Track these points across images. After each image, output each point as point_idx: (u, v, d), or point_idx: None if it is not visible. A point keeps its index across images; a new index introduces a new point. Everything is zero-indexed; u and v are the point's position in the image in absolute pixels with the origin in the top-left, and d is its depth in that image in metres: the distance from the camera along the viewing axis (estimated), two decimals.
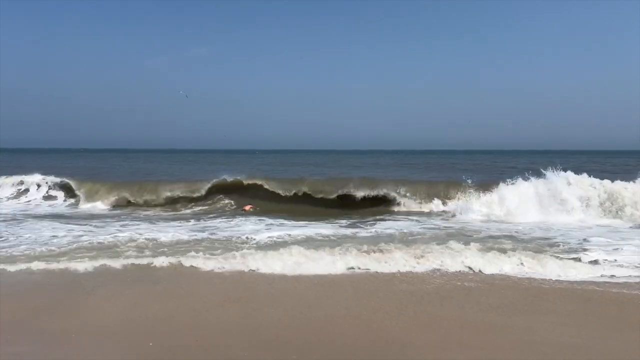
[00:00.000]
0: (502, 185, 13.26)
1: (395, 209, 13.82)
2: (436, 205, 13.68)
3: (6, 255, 7.74)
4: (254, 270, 6.83)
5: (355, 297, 5.64)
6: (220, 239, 9.42)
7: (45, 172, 18.23)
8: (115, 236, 9.38)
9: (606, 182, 12.65)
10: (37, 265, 7.05)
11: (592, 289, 5.94)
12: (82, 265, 7.07)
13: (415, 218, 12.53)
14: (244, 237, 9.42)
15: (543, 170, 13.27)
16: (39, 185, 17.31)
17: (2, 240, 9.12)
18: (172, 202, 15.30)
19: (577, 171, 13.31)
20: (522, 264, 6.96)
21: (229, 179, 16.17)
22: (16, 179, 17.59)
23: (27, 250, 8.15)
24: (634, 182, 12.53)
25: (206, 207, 15.20)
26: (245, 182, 16.07)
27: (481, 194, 13.30)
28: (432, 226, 11.16)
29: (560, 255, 7.59)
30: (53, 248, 8.33)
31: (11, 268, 6.92)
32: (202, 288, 6.05)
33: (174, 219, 12.51)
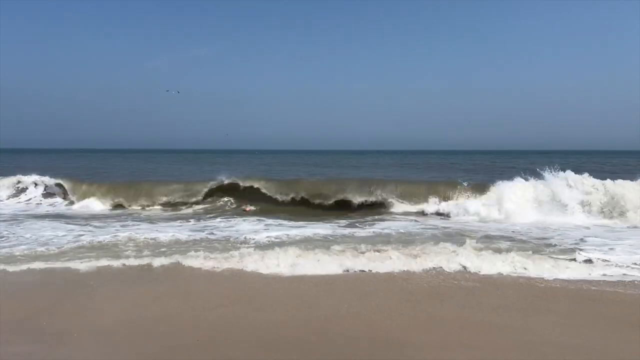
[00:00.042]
0: (500, 186, 13.28)
1: (394, 209, 13.82)
2: (435, 205, 13.67)
3: (6, 255, 7.74)
4: (253, 270, 6.83)
5: (355, 297, 5.65)
6: (219, 239, 9.44)
7: (43, 173, 18.12)
8: (115, 236, 9.39)
9: (608, 182, 12.62)
10: (37, 265, 7.06)
11: (591, 289, 5.96)
12: (82, 265, 7.09)
13: (413, 218, 12.60)
14: (243, 237, 9.44)
15: (540, 171, 13.28)
16: (36, 185, 17.27)
17: (1, 240, 9.13)
18: (171, 202, 15.27)
19: (577, 171, 13.30)
20: (519, 264, 6.97)
21: (226, 181, 15.96)
22: (13, 179, 17.56)
23: (27, 250, 8.16)
24: (632, 181, 12.53)
25: (206, 206, 15.22)
26: (242, 184, 15.83)
27: (479, 194, 13.32)
28: (431, 226, 11.19)
29: (558, 255, 7.62)
30: (53, 248, 8.34)
31: (11, 268, 6.92)
32: (202, 288, 6.06)
33: (173, 219, 12.52)
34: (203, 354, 4.11)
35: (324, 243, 8.76)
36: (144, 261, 7.29)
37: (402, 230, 10.43)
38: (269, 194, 15.24)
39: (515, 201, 12.57)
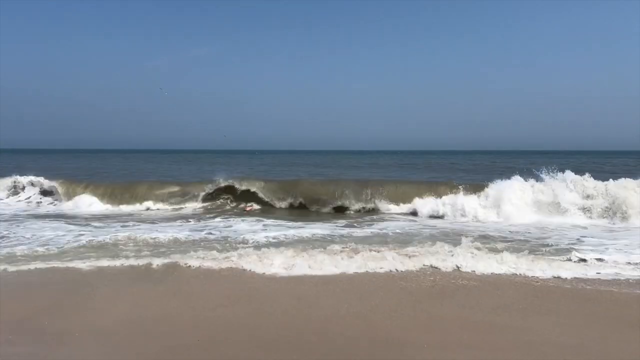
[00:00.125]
0: (498, 186, 13.25)
1: (392, 209, 13.83)
2: (433, 205, 13.67)
3: (6, 255, 7.74)
4: (253, 270, 6.84)
5: (355, 297, 5.65)
6: (219, 239, 9.45)
7: (39, 174, 18.05)
8: (115, 236, 9.39)
9: (609, 184, 12.57)
10: (37, 265, 7.06)
11: (586, 288, 5.98)
12: (82, 265, 7.09)
13: (412, 218, 12.68)
14: (242, 237, 9.44)
15: (536, 171, 13.29)
16: (32, 184, 17.26)
17: (2, 240, 9.13)
18: (171, 202, 15.28)
19: (577, 171, 13.29)
20: (516, 263, 6.98)
21: (223, 183, 15.84)
22: (9, 180, 17.52)
23: (27, 250, 8.15)
24: (631, 180, 12.51)
25: (205, 204, 15.25)
26: (239, 187, 15.67)
27: (478, 194, 13.28)
28: (429, 226, 11.24)
29: (554, 255, 7.65)
30: (53, 248, 8.34)
31: (11, 268, 6.92)
32: (202, 288, 6.06)
33: (173, 219, 12.52)
34: (203, 354, 4.12)
35: (323, 243, 8.77)
36: (144, 261, 7.29)
37: (400, 230, 10.46)
38: (266, 199, 15.15)
39: (513, 201, 12.57)
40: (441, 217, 12.79)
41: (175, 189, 15.87)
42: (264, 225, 11.24)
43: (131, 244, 8.70)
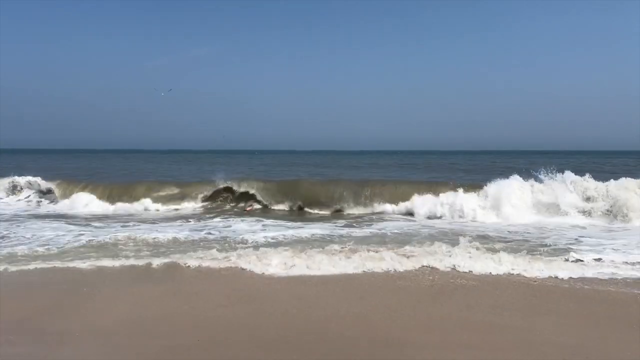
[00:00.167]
0: (497, 186, 13.19)
1: (392, 209, 13.83)
2: (432, 205, 13.66)
3: (7, 255, 7.75)
4: (253, 271, 6.85)
5: (355, 296, 5.67)
6: (218, 239, 9.46)
7: (40, 174, 18.05)
8: (115, 236, 9.40)
9: (610, 184, 12.51)
10: (37, 265, 7.06)
11: (584, 288, 5.99)
12: (83, 265, 7.10)
13: (411, 218, 12.70)
14: (242, 238, 9.45)
15: (536, 172, 13.27)
16: (30, 185, 17.24)
17: (2, 240, 9.13)
18: (171, 203, 15.28)
19: (576, 172, 13.28)
20: (514, 264, 6.98)
21: (221, 185, 15.79)
22: (7, 180, 17.50)
23: (27, 250, 8.16)
24: (632, 179, 12.50)
25: (205, 204, 15.27)
26: (238, 189, 15.62)
27: (477, 194, 13.26)
28: (428, 226, 11.26)
29: (551, 255, 7.65)
30: (53, 248, 8.35)
31: (12, 268, 6.93)
32: (202, 288, 6.06)
33: (172, 219, 12.53)
34: (203, 354, 4.12)
35: (322, 243, 8.78)
36: (144, 261, 7.30)
37: (399, 231, 10.47)
38: (264, 202, 15.09)
39: (512, 201, 12.55)
40: (441, 217, 12.78)
41: (175, 189, 15.88)
42: (263, 225, 11.25)
43: (131, 244, 8.72)
